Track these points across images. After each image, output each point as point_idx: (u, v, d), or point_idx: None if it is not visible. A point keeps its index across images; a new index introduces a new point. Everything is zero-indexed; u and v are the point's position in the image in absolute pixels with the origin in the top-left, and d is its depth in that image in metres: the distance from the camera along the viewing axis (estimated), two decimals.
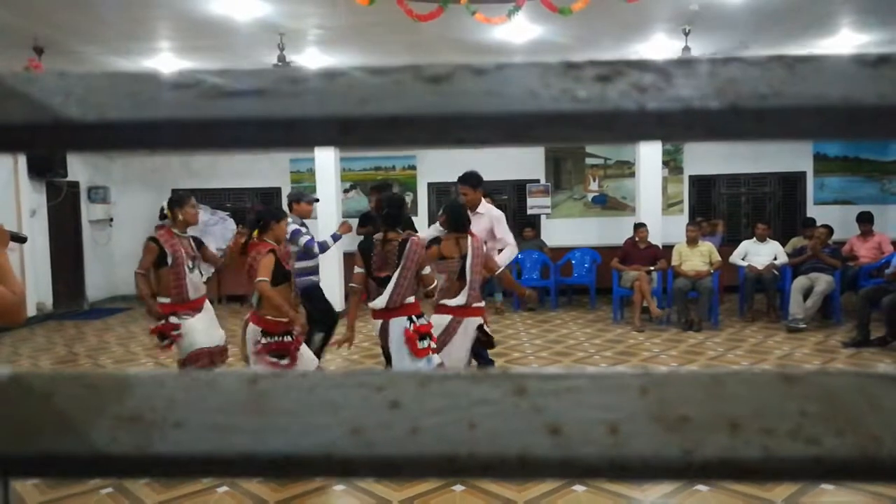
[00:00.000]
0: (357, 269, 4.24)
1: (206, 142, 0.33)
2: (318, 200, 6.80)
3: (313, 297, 5.74)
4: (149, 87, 0.33)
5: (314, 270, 5.90)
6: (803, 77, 0.32)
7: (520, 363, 6.74)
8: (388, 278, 4.09)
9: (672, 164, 11.74)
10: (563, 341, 7.73)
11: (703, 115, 0.32)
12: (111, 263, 12.16)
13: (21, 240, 2.80)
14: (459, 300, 4.30)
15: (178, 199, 4.85)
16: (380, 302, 4.10)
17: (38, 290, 10.16)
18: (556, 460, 0.31)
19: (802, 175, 11.78)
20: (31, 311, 9.91)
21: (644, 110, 0.32)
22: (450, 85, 0.33)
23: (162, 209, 4.87)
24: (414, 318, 4.12)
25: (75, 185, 11.26)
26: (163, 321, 4.64)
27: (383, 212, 4.21)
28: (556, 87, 0.33)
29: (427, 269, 4.16)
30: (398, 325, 4.09)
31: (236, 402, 0.33)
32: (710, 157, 11.69)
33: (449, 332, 4.31)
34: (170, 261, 4.63)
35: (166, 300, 4.66)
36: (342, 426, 0.32)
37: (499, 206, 10.78)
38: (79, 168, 11.29)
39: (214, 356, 4.77)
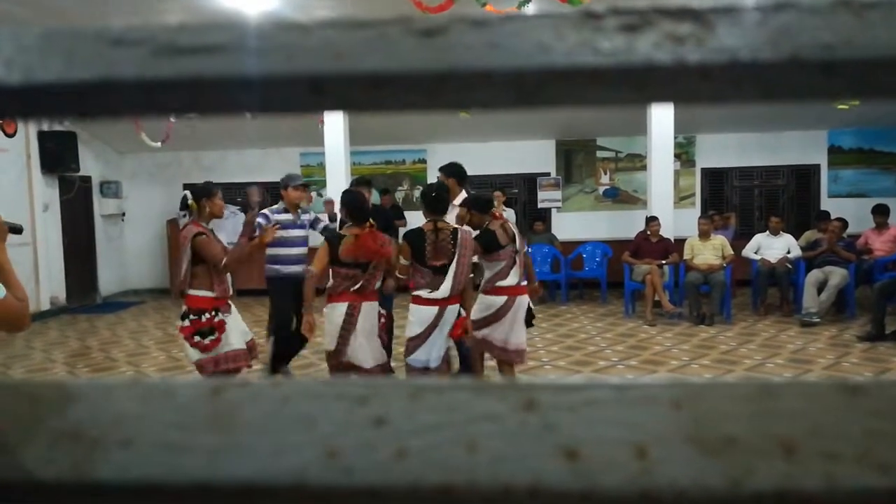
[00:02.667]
0: (402, 261, 4.40)
1: (151, 106, 0.28)
2: (306, 186, 6.24)
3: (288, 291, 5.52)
4: (89, 44, 0.28)
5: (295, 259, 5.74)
6: (875, 24, 0.26)
7: (530, 357, 6.68)
8: (444, 266, 4.29)
9: (684, 156, 11.61)
10: (574, 335, 7.66)
11: (756, 69, 0.26)
12: (123, 257, 12.21)
13: (17, 230, 2.68)
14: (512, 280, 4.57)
15: (206, 190, 4.52)
16: (443, 291, 4.29)
17: (51, 283, 10.21)
18: (573, 491, 0.26)
19: (816, 167, 11.63)
20: (44, 304, 9.97)
21: (683, 63, 0.26)
22: (445, 38, 0.28)
23: (185, 199, 4.53)
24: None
25: (87, 179, 11.29)
26: (204, 316, 4.29)
27: (431, 201, 4.43)
28: (573, 39, 0.27)
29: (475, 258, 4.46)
30: (452, 311, 4.33)
31: (196, 417, 0.28)
32: (722, 150, 11.56)
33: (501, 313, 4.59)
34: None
35: (208, 294, 4.32)
36: (317, 447, 0.27)
37: (509, 200, 10.77)
38: (91, 163, 11.32)
39: (246, 355, 4.48)
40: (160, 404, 0.29)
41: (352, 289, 4.37)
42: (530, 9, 6.52)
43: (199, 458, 0.27)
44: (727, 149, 11.53)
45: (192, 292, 4.34)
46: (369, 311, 4.42)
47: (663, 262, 8.49)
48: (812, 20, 0.27)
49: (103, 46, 0.28)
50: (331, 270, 4.44)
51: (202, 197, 4.47)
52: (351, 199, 4.61)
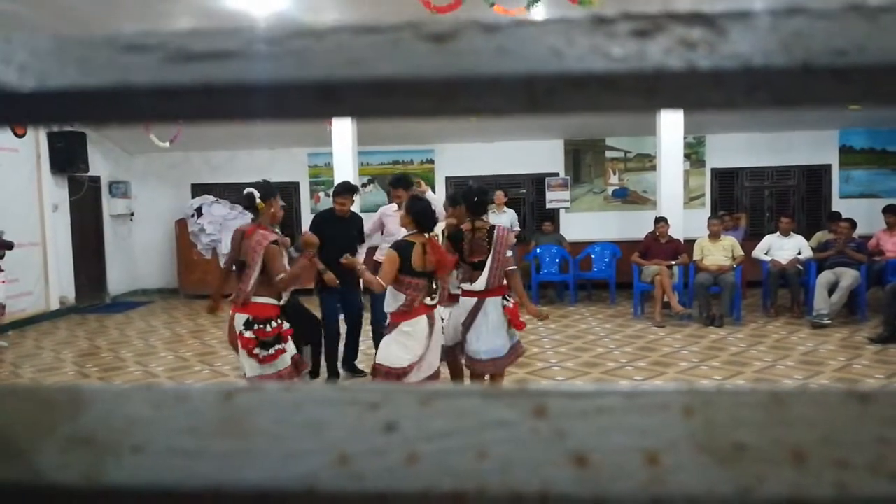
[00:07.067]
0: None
1: (163, 112, 0.28)
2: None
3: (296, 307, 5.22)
4: (103, 51, 0.28)
5: None
6: (889, 28, 0.26)
7: (538, 359, 6.67)
8: (482, 262, 4.58)
9: (694, 157, 11.57)
10: (583, 336, 7.64)
11: (768, 76, 0.26)
12: (132, 257, 12.26)
13: (7, 246, 2.61)
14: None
15: (272, 190, 4.23)
16: (479, 284, 4.58)
17: (60, 283, 10.27)
18: (584, 498, 0.25)
19: (828, 168, 11.55)
20: (53, 304, 10.03)
21: (695, 70, 0.26)
22: (456, 43, 0.27)
23: (251, 197, 4.13)
24: (507, 296, 4.69)
25: (96, 179, 11.35)
26: (270, 325, 4.06)
27: (473, 203, 4.64)
28: (584, 45, 0.27)
29: (509, 253, 4.68)
30: (495, 303, 4.60)
31: (208, 422, 0.28)
32: (732, 150, 11.51)
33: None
34: (286, 260, 4.15)
35: (273, 301, 4.08)
36: (328, 453, 0.27)
37: (516, 201, 10.73)
38: (100, 163, 11.37)
39: (293, 372, 4.25)
40: (172, 409, 0.29)
41: (427, 301, 4.29)
42: (539, 9, 6.51)
43: (211, 463, 0.27)
44: (737, 149, 11.47)
45: (258, 300, 4.06)
46: (437, 318, 4.50)
47: (673, 262, 8.46)
48: (824, 25, 0.26)
49: (115, 53, 0.28)
50: (395, 282, 4.19)
51: (269, 197, 4.17)
52: (419, 206, 4.41)
